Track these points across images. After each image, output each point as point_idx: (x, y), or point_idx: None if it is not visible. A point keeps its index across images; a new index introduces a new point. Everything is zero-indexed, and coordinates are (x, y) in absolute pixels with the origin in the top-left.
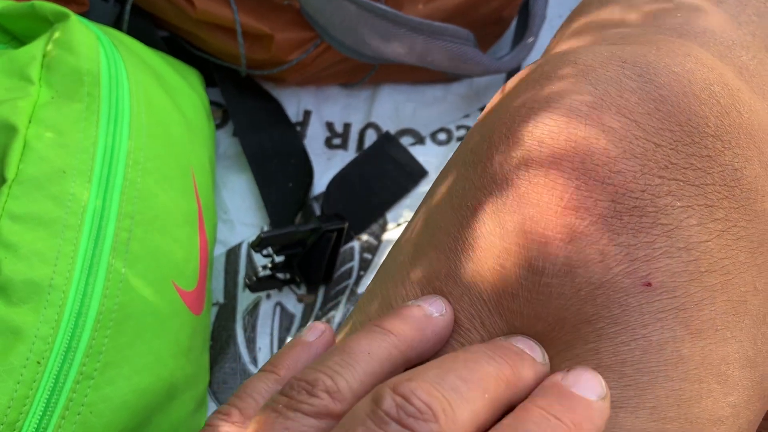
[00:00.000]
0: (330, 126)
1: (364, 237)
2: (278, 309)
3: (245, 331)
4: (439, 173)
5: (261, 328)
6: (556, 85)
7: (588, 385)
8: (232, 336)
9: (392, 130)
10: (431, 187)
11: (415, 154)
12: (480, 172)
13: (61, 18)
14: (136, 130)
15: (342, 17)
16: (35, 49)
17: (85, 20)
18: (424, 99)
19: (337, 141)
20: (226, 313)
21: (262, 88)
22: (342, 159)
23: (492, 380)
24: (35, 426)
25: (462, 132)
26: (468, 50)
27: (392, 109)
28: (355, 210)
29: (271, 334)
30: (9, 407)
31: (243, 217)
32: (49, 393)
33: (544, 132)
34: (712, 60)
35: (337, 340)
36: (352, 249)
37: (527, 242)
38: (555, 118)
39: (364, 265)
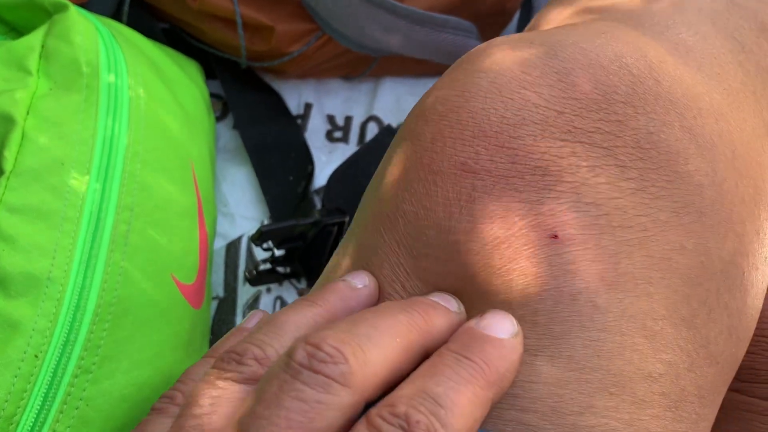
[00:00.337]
0: (331, 119)
1: None
2: (279, 303)
3: None
4: None
5: None
6: (465, 66)
7: (498, 326)
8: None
9: (394, 124)
10: None
11: None
12: (393, 149)
13: (60, 9)
14: (135, 122)
15: (344, 9)
16: (34, 39)
17: (84, 11)
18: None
19: (338, 134)
20: (226, 306)
21: (262, 80)
22: (343, 152)
23: (403, 327)
24: (33, 420)
25: None
26: (471, 42)
27: (394, 102)
28: (356, 204)
29: None
30: (6, 401)
31: (243, 210)
32: (47, 387)
33: (446, 106)
34: (631, 36)
35: None
36: None
37: (433, 205)
38: (456, 94)
39: None
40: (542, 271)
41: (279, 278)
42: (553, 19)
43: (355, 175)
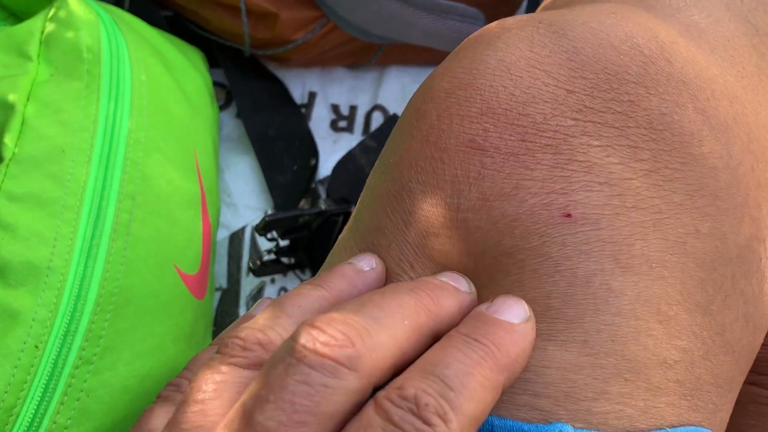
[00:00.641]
0: (335, 108)
1: None
2: (282, 294)
3: None
4: None
5: None
6: (472, 45)
7: (510, 310)
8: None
9: (399, 113)
10: None
11: None
12: (398, 129)
13: None
14: (137, 109)
15: None
16: (34, 25)
17: None
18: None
19: (342, 123)
20: (229, 297)
21: (266, 69)
22: (348, 142)
23: (411, 309)
24: (33, 411)
25: None
26: (477, 30)
27: (399, 91)
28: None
29: None
30: (6, 392)
31: (247, 200)
32: (47, 378)
33: (453, 84)
34: (642, 17)
35: None
36: None
37: (440, 183)
38: (464, 72)
39: None
40: (555, 251)
41: (283, 269)
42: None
43: (360, 165)
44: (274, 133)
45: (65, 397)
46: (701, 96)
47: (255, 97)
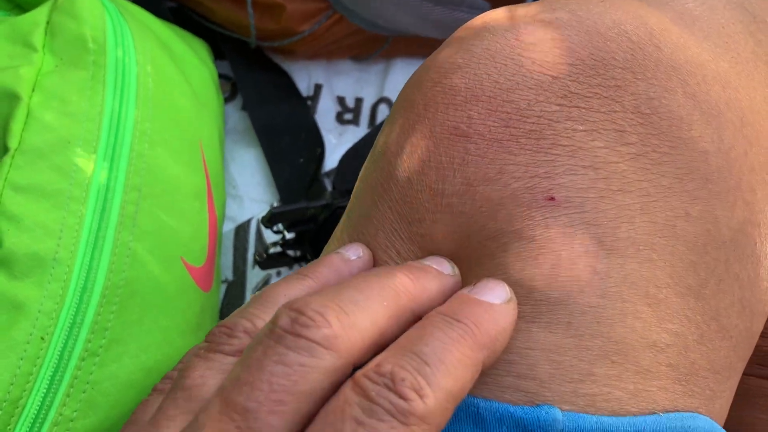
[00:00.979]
0: (341, 101)
1: None
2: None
3: None
4: None
5: None
6: (460, 35)
7: (491, 292)
8: None
9: None
10: None
11: None
12: (388, 120)
13: None
14: (143, 100)
15: None
16: (39, 15)
17: None
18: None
19: (348, 116)
20: (235, 290)
21: (272, 61)
22: (354, 134)
23: (390, 291)
24: (39, 403)
25: None
26: None
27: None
28: None
29: None
30: (12, 384)
31: (252, 192)
32: (53, 370)
33: (439, 73)
34: (633, 5)
35: None
36: None
37: (425, 170)
38: (450, 61)
39: None
40: (538, 234)
41: (289, 261)
42: None
43: (366, 157)
44: (280, 126)
45: (71, 389)
46: (691, 81)
47: (260, 89)
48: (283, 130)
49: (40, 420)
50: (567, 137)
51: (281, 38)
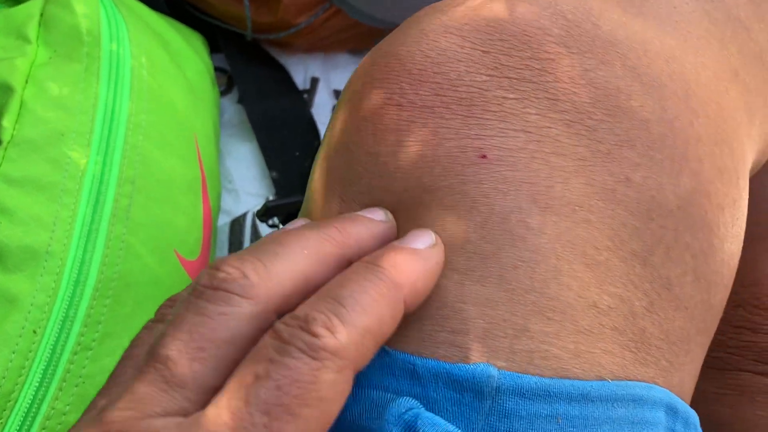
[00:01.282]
0: (338, 94)
1: None
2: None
3: None
4: None
5: None
6: (403, 23)
7: (416, 239)
8: None
9: None
10: None
11: None
12: (341, 96)
13: None
14: (137, 92)
15: None
16: (32, 7)
17: None
18: None
19: None
20: None
21: (268, 54)
22: None
23: (312, 240)
24: (31, 397)
25: None
26: None
27: None
28: None
29: None
30: (4, 377)
31: (248, 186)
32: (45, 363)
33: (377, 54)
34: None
35: None
36: None
37: (363, 138)
38: (388, 44)
39: None
40: (471, 189)
41: None
42: None
43: None
44: (276, 119)
45: (64, 383)
46: (632, 55)
47: (257, 82)
48: (279, 124)
49: (32, 414)
50: (497, 104)
51: (277, 31)
